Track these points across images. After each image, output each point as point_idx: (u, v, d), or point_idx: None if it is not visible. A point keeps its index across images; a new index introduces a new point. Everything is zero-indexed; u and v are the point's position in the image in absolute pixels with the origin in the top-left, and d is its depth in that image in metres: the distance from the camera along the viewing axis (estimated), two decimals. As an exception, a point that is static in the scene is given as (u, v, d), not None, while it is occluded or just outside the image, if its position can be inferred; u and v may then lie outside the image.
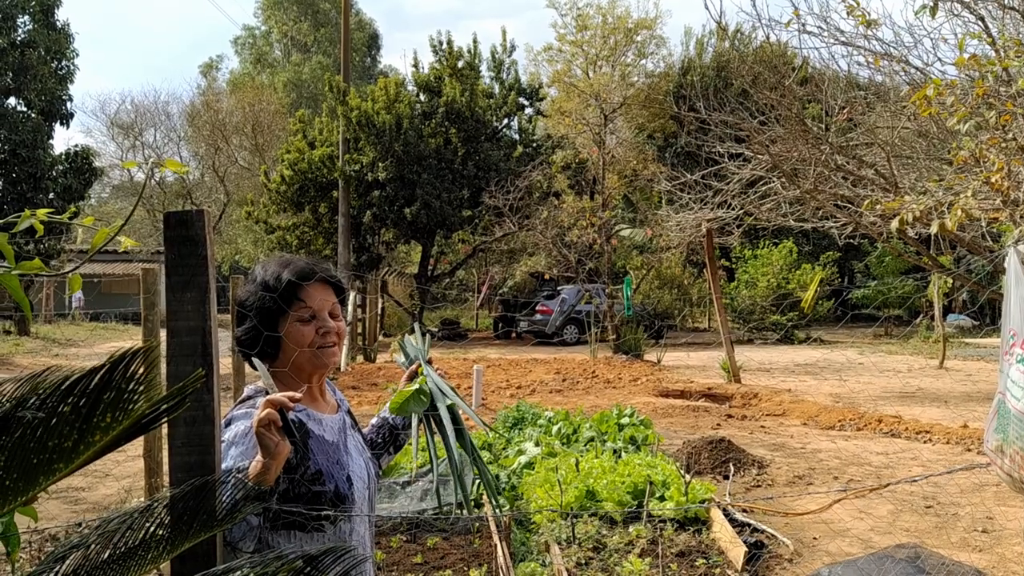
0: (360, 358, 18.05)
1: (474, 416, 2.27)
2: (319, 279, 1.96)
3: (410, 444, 2.22)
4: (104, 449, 1.09)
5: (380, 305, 21.55)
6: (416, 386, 2.19)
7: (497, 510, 4.77)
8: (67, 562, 1.39)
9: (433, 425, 2.21)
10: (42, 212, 1.79)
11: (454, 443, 2.15)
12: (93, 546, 1.41)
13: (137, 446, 7.31)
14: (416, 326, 2.66)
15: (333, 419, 2.02)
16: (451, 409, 2.19)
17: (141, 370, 1.06)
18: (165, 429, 1.56)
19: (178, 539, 1.45)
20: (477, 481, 5.24)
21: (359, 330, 18.54)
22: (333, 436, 1.98)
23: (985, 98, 6.06)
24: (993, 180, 5.84)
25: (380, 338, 21.01)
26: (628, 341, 18.68)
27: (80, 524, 4.84)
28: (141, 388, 1.06)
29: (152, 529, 1.43)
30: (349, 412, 2.15)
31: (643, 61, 32.86)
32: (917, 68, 8.40)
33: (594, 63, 32.20)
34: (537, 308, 24.68)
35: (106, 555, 1.40)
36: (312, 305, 1.93)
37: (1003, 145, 5.98)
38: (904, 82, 9.04)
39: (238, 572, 1.34)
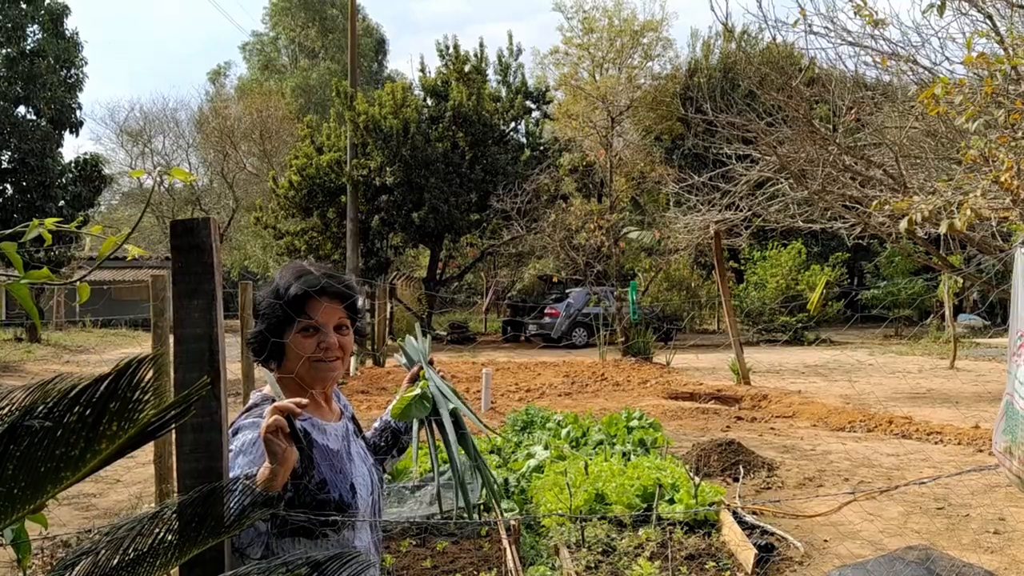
0: (369, 362, 18.09)
1: (477, 421, 2.27)
2: (329, 293, 1.96)
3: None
4: (111, 457, 1.10)
5: (389, 309, 21.59)
6: (418, 391, 2.19)
7: (501, 514, 4.77)
8: (77, 568, 1.40)
9: (436, 429, 2.21)
10: (50, 221, 1.80)
11: (456, 449, 2.15)
12: (103, 552, 1.41)
13: (147, 452, 7.34)
14: (417, 326, 2.66)
15: (336, 427, 2.03)
16: (454, 413, 2.19)
17: (147, 378, 1.07)
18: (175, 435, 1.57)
19: (186, 545, 1.46)
20: (484, 487, 5.23)
21: (368, 334, 18.58)
22: (336, 444, 1.99)
23: (994, 97, 6.04)
24: (1003, 179, 5.82)
25: (389, 342, 21.04)
26: (637, 343, 18.65)
27: (90, 530, 4.86)
28: (147, 396, 1.07)
29: (161, 535, 1.44)
30: (353, 418, 2.16)
31: (650, 63, 32.87)
32: (925, 67, 8.38)
33: (601, 65, 32.21)
34: (546, 311, 24.68)
35: (115, 561, 1.41)
36: (317, 319, 1.94)
37: (1012, 144, 5.95)
38: (912, 82, 9.02)
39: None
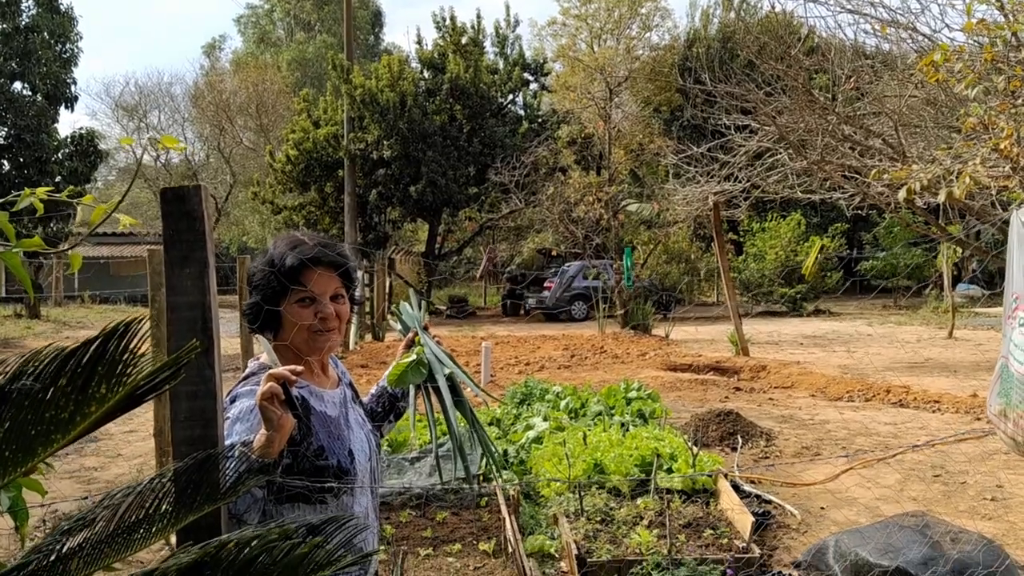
0: (369, 336, 18.12)
1: (473, 384, 2.28)
2: (324, 262, 1.96)
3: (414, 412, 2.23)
4: (101, 420, 1.10)
5: (388, 284, 21.59)
6: (414, 357, 2.19)
7: (499, 477, 4.80)
8: (73, 534, 1.41)
9: (432, 395, 2.21)
10: (42, 191, 1.79)
11: (453, 414, 2.16)
12: (100, 519, 1.42)
13: (148, 426, 7.38)
14: (411, 292, 2.67)
15: (334, 394, 2.04)
16: (451, 378, 2.20)
17: (136, 341, 1.07)
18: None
19: (183, 511, 1.47)
20: (485, 456, 5.26)
21: (367, 309, 18.59)
22: (334, 411, 2.00)
23: (994, 63, 6.00)
24: (1002, 147, 5.79)
25: (388, 317, 21.03)
26: (636, 316, 18.67)
27: (87, 497, 4.89)
28: (136, 359, 1.07)
29: (157, 502, 1.45)
30: (351, 384, 2.16)
31: (648, 34, 32.60)
32: (924, 35, 8.32)
33: (599, 36, 31.96)
34: (545, 284, 24.69)
35: (112, 527, 1.42)
36: (313, 289, 1.94)
37: (1012, 111, 5.92)
38: (912, 49, 8.94)
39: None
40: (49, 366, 1.04)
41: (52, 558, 1.28)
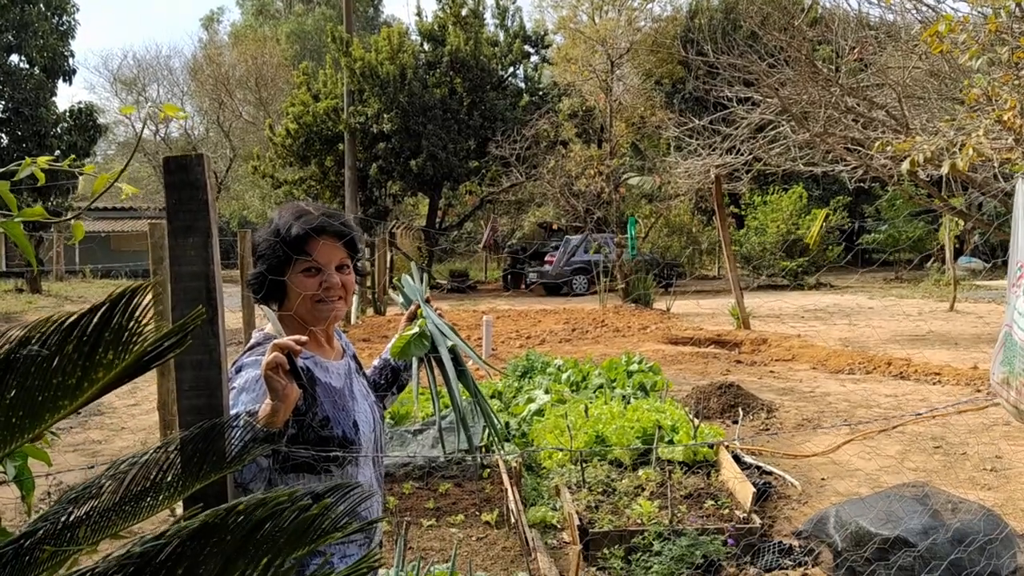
0: (370, 311, 18.13)
1: (476, 357, 2.28)
2: (329, 232, 1.95)
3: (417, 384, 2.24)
4: (108, 386, 1.10)
5: (389, 258, 21.56)
6: (416, 329, 2.19)
7: (501, 448, 4.82)
8: (80, 503, 1.42)
9: (435, 367, 2.22)
10: (43, 160, 1.78)
11: (456, 385, 2.16)
12: (106, 488, 1.43)
13: (152, 399, 7.41)
14: (413, 265, 2.66)
15: (339, 365, 2.05)
16: (453, 351, 2.20)
17: (142, 308, 1.07)
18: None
19: (189, 480, 1.47)
20: (487, 429, 5.28)
21: (368, 283, 18.60)
22: (339, 382, 2.01)
23: (998, 35, 5.95)
24: (1005, 118, 5.76)
25: (390, 291, 21.03)
26: (637, 289, 18.67)
27: (92, 466, 4.92)
28: (142, 326, 1.07)
29: (163, 471, 1.45)
30: (354, 357, 2.17)
31: (650, 5, 32.21)
32: (929, 5, 8.25)
33: (600, 8, 31.64)
34: (546, 258, 24.66)
35: (119, 497, 1.42)
36: (319, 259, 1.94)
37: (1016, 83, 5.88)
38: (916, 20, 8.88)
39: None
40: (56, 333, 1.04)
41: (59, 526, 1.29)
